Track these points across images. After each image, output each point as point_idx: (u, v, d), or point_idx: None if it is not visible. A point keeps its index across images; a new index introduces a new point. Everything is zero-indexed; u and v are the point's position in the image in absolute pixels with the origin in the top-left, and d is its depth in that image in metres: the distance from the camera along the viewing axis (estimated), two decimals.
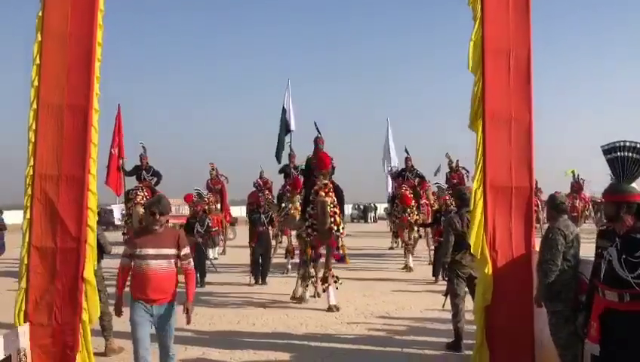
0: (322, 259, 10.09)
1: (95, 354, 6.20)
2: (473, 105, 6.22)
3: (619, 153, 4.17)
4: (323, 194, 9.47)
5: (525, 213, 6.18)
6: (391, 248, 20.17)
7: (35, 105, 5.92)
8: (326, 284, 9.59)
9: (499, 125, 6.21)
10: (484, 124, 6.17)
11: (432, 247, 13.74)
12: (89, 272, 5.88)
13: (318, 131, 15.86)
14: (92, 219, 6.00)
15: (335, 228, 9.69)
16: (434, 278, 12.29)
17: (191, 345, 7.10)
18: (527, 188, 6.23)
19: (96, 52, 6.09)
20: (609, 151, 4.22)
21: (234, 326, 8.35)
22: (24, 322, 5.78)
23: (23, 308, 5.81)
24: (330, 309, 9.29)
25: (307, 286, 10.13)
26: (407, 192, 15.47)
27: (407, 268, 14.57)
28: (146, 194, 13.89)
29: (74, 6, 6.03)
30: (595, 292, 4.24)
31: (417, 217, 15.53)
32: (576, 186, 28.55)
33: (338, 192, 10.12)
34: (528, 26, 6.37)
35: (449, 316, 7.24)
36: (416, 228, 15.65)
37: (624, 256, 3.93)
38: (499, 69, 6.24)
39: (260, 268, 12.61)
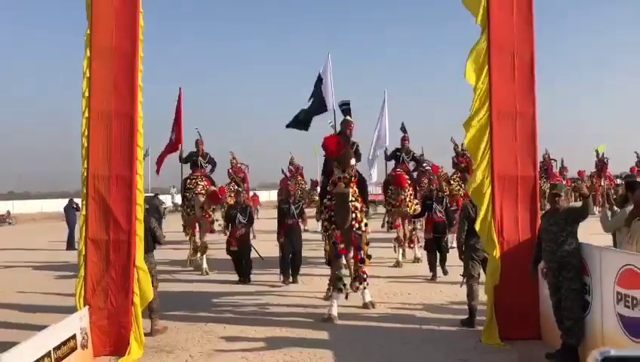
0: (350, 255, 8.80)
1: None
2: (474, 105, 6.76)
3: None
4: (342, 185, 7.97)
5: (530, 201, 6.76)
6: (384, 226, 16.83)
7: (87, 114, 6.68)
8: (357, 284, 8.60)
9: (505, 119, 6.78)
10: (491, 119, 6.73)
11: (422, 244, 12.46)
12: (140, 260, 6.66)
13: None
14: (140, 213, 6.76)
15: (356, 225, 8.42)
16: (431, 274, 11.13)
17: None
18: (532, 177, 6.81)
19: (138, 64, 6.80)
20: None
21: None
22: (84, 306, 6.58)
23: (83, 294, 6.61)
24: (365, 306, 8.59)
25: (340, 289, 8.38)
26: (401, 173, 13.43)
27: (397, 263, 12.84)
28: (206, 183, 13.45)
29: (117, 24, 6.74)
30: None
31: (417, 207, 13.02)
32: (600, 165, 28.55)
33: (361, 184, 8.87)
34: (531, 27, 6.88)
35: (462, 296, 7.86)
36: (411, 221, 13.50)
37: None
38: (504, 68, 6.78)
39: (289, 265, 11.13)
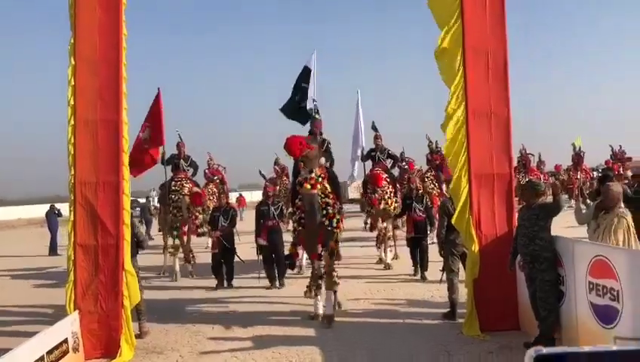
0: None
1: None
2: (450, 105, 7.00)
3: None
4: (308, 186, 7.74)
5: (506, 196, 7.02)
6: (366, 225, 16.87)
7: (72, 122, 6.79)
8: (314, 289, 8.39)
9: (480, 119, 7.03)
10: (467, 119, 6.97)
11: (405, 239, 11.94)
12: (128, 263, 6.80)
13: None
14: (127, 218, 6.90)
15: (327, 221, 8.14)
16: (413, 270, 11.16)
17: None
18: (507, 174, 7.08)
19: (123, 71, 6.93)
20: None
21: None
22: (74, 310, 6.70)
23: (73, 298, 6.72)
24: (322, 319, 7.96)
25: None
26: (379, 172, 13.02)
27: (384, 264, 12.51)
28: (191, 185, 13.31)
29: (101, 33, 6.86)
30: None
31: (396, 205, 12.76)
32: (577, 158, 29.07)
33: (333, 180, 8.66)
34: (504, 29, 7.14)
35: (444, 291, 8.11)
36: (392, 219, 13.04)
37: None
38: (479, 69, 7.03)
39: (274, 269, 10.91)
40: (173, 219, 12.97)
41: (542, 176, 32.67)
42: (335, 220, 8.26)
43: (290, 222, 9.08)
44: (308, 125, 9.86)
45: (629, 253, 4.99)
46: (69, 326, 6.43)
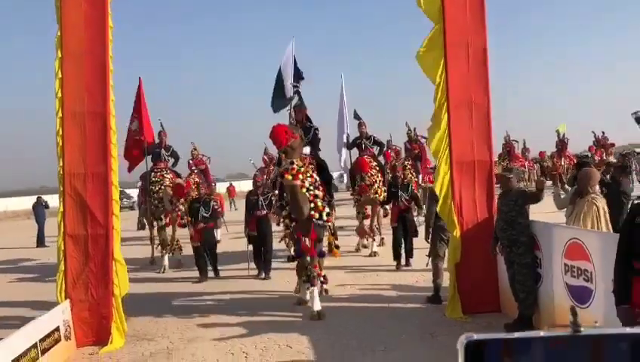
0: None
1: None
2: (436, 98, 7.17)
3: None
4: (289, 177, 7.47)
5: (487, 183, 7.22)
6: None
7: (60, 114, 6.88)
8: (309, 285, 8.01)
9: (461, 109, 7.20)
10: (448, 109, 7.14)
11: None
12: (117, 253, 6.92)
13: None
14: (116, 208, 7.02)
15: (316, 215, 7.81)
16: (395, 263, 10.79)
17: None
18: (487, 161, 7.27)
19: (109, 64, 7.02)
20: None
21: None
22: (65, 299, 6.82)
23: (64, 287, 6.85)
24: (312, 317, 7.55)
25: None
26: (366, 158, 12.93)
27: (372, 253, 12.42)
28: (172, 176, 13.15)
29: (87, 26, 6.94)
30: (633, 278, 3.87)
31: (385, 194, 12.31)
32: (561, 145, 29.45)
33: (322, 170, 8.30)
34: (484, 21, 7.30)
35: (428, 276, 8.32)
36: (381, 208, 12.97)
37: None
38: (459, 61, 7.19)
39: (262, 259, 10.83)
40: (155, 211, 12.87)
41: (527, 163, 33.24)
42: (325, 213, 7.94)
43: (281, 217, 8.66)
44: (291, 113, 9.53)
45: (601, 236, 5.20)
46: (60, 315, 6.57)
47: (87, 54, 6.93)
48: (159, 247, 12.89)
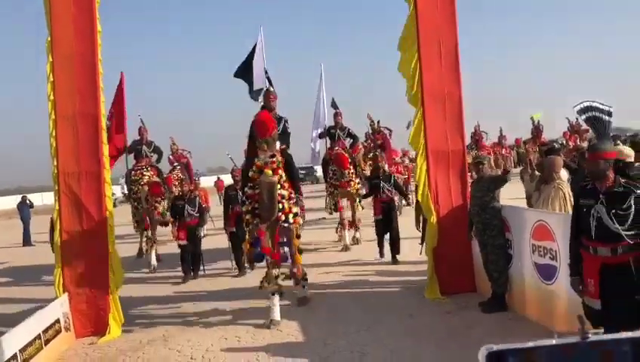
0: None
1: None
2: (409, 83, 7.63)
3: (594, 113, 4.58)
4: (270, 172, 6.94)
5: (460, 171, 7.68)
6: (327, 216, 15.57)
7: (53, 116, 7.17)
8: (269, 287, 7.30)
9: (435, 101, 7.63)
10: (423, 101, 7.57)
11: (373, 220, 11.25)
12: (112, 247, 7.25)
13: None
14: (109, 205, 7.34)
15: (283, 217, 7.27)
16: (379, 256, 10.66)
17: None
18: (460, 150, 7.74)
19: (99, 67, 7.32)
20: (584, 110, 4.68)
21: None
22: (63, 293, 7.14)
23: (62, 282, 7.16)
24: (267, 325, 6.98)
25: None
26: (343, 153, 12.63)
27: (345, 247, 12.20)
28: (152, 173, 12.73)
29: (76, 31, 7.22)
30: (581, 251, 4.41)
31: (358, 186, 12.59)
32: (536, 132, 30.13)
33: (289, 166, 7.65)
34: (454, 17, 7.72)
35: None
36: (358, 200, 12.74)
37: (614, 211, 4.10)
38: (432, 55, 7.62)
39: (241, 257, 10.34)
40: (135, 212, 12.63)
41: (503, 150, 33.92)
42: (292, 215, 7.39)
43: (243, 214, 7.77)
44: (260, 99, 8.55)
45: (564, 217, 5.63)
46: (59, 308, 6.90)
47: (77, 57, 7.21)
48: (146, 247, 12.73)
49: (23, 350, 5.65)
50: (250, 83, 10.78)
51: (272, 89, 8.25)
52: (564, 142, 28.52)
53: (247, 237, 8.29)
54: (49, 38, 7.21)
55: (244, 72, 10.60)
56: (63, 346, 6.76)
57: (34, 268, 12.67)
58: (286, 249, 7.71)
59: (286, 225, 7.37)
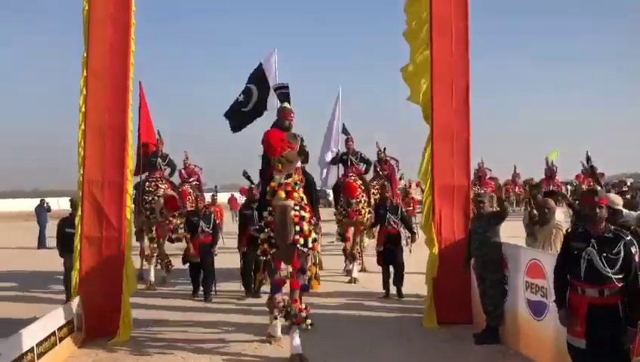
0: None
1: None
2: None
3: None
4: (283, 195, 6.36)
5: (464, 205, 8.02)
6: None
7: (83, 127, 7.63)
8: (290, 322, 6.76)
9: (444, 138, 8.01)
10: (432, 139, 7.96)
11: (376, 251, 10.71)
12: (128, 254, 7.64)
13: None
14: (129, 214, 7.77)
15: (302, 241, 6.70)
16: (384, 292, 10.08)
17: None
18: (465, 186, 8.10)
19: (129, 84, 7.80)
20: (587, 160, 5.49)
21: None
22: (79, 294, 7.53)
23: (78, 283, 7.56)
24: (292, 360, 6.56)
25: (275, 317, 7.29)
26: (353, 180, 12.18)
27: (352, 280, 11.67)
28: (166, 186, 12.54)
29: (111, 49, 7.72)
30: (569, 291, 4.67)
31: (369, 216, 12.03)
32: (549, 173, 30.34)
33: (309, 187, 7.28)
34: (467, 60, 8.12)
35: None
36: (366, 231, 12.61)
37: (604, 254, 4.39)
38: (444, 96, 8.01)
39: (252, 278, 10.33)
40: (146, 222, 12.25)
41: (516, 188, 34.19)
42: (311, 239, 6.85)
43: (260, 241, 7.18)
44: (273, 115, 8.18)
45: (554, 256, 5.92)
46: (74, 308, 7.27)
47: (109, 74, 7.70)
48: (146, 261, 12.31)
49: (39, 344, 6.02)
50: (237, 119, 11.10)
51: (288, 106, 7.73)
52: (577, 184, 28.90)
53: (259, 262, 8.70)
54: (85, 54, 7.69)
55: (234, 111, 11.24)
56: (76, 344, 7.11)
57: (47, 272, 12.99)
58: (305, 277, 7.16)
59: (305, 249, 6.82)
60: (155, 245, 12.19)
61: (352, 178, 12.29)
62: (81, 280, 7.57)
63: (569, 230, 5.15)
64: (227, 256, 13.01)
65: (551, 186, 29.43)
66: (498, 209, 7.47)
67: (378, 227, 10.68)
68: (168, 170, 13.29)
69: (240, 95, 11.76)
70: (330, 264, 13.38)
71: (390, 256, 10.12)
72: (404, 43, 8.32)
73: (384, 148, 14.30)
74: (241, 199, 23.49)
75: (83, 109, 7.65)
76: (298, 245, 6.70)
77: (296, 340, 6.66)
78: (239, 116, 11.66)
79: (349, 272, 12.05)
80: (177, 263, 11.84)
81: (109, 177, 7.65)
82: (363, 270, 12.58)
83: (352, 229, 12.48)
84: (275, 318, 7.22)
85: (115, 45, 7.74)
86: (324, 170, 14.44)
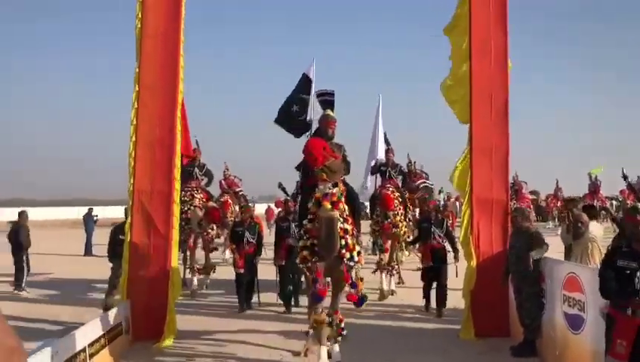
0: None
1: None
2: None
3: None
4: (328, 206, 6.11)
5: (502, 219, 8.09)
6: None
7: (134, 139, 8.02)
8: (332, 332, 6.68)
9: (483, 152, 8.11)
10: (471, 153, 8.07)
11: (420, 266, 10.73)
12: (174, 261, 7.96)
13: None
14: (176, 223, 8.09)
15: (347, 254, 6.47)
16: (424, 304, 9.88)
17: None
18: (504, 200, 8.17)
19: (178, 98, 8.16)
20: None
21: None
22: (127, 298, 7.87)
23: (126, 288, 7.90)
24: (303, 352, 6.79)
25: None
26: (390, 192, 11.80)
27: (382, 292, 11.09)
28: (202, 196, 12.58)
29: (162, 64, 8.11)
30: (613, 311, 4.67)
31: (406, 229, 11.87)
32: (593, 188, 29.87)
33: (351, 199, 7.03)
34: (506, 75, 8.23)
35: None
36: (404, 246, 12.58)
37: None
38: (483, 114, 8.13)
39: (290, 295, 10.17)
40: (180, 232, 11.62)
41: (558, 202, 33.62)
42: (356, 252, 6.62)
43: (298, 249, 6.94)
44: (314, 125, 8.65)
45: (592, 270, 5.98)
46: (122, 312, 7.61)
47: (160, 89, 8.09)
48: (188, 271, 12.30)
49: (90, 345, 6.35)
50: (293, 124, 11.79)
51: (331, 114, 7.39)
52: (622, 199, 28.36)
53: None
54: (137, 70, 8.10)
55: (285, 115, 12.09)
56: (123, 347, 7.44)
57: (92, 278, 13.43)
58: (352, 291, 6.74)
59: (352, 263, 6.55)
60: (189, 254, 12.27)
61: (390, 190, 12.03)
62: (129, 284, 7.92)
63: (609, 247, 5.18)
64: (265, 267, 13.21)
65: (595, 201, 29.09)
66: (534, 223, 7.52)
67: (418, 244, 10.68)
68: (205, 180, 13.29)
69: (294, 106, 12.69)
70: (365, 276, 13.32)
71: (435, 275, 9.70)
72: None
73: (414, 162, 14.59)
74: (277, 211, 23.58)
75: (134, 122, 8.04)
76: (345, 259, 6.46)
77: (336, 349, 6.74)
78: (298, 123, 12.65)
79: (383, 294, 11.15)
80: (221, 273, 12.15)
81: (157, 187, 8.01)
82: (400, 282, 12.44)
83: (389, 241, 12.18)
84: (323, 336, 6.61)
85: (166, 61, 8.13)
86: (367, 180, 14.64)
